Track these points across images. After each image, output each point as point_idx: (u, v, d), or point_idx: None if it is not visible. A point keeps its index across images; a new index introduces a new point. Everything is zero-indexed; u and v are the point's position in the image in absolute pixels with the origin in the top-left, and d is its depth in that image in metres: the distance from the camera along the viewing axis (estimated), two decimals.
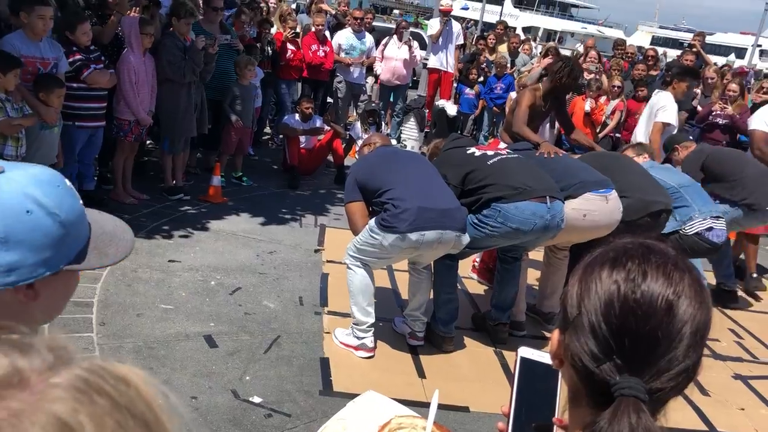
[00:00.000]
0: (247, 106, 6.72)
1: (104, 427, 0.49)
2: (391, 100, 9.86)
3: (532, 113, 5.00)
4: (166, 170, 6.14)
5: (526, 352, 1.17)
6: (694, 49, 9.08)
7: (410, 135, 9.45)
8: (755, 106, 7.94)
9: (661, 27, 66.84)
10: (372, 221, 3.72)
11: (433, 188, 3.79)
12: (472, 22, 30.52)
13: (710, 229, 4.53)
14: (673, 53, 22.92)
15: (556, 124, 8.49)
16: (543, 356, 1.07)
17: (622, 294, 0.86)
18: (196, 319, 4.01)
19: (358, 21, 8.93)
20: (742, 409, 3.99)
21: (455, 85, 10.40)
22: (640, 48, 16.25)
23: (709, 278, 5.55)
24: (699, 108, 7.87)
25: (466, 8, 49.14)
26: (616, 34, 48.79)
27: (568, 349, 0.90)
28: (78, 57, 5.04)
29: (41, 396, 0.49)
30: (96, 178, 5.81)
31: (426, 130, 9.81)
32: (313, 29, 8.64)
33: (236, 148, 6.77)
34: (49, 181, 0.99)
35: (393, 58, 9.41)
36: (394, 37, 9.52)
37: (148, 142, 6.87)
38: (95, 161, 5.80)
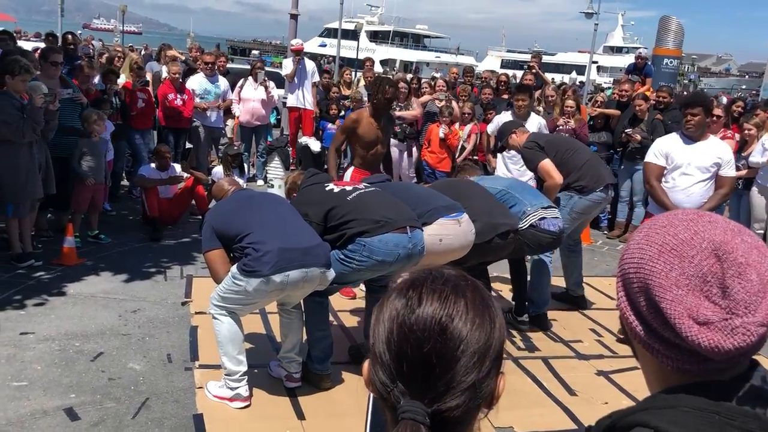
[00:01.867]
0: (97, 161, 6.44)
1: None
2: (254, 140, 9.84)
3: (367, 135, 5.58)
4: (13, 237, 5.73)
5: None
6: (533, 70, 9.73)
7: (276, 174, 9.41)
8: (591, 119, 8.64)
9: (509, 51, 71.25)
10: (234, 268, 3.66)
11: (292, 227, 3.79)
12: (330, 58, 31.10)
13: (542, 219, 4.70)
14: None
15: (414, 151, 8.85)
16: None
17: (399, 321, 0.90)
18: (55, 393, 3.75)
19: (210, 65, 8.84)
20: (606, 403, 4.24)
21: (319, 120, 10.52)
22: (492, 72, 17.18)
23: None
24: None
25: (323, 45, 50.09)
26: (469, 60, 51.49)
27: (369, 377, 0.94)
28: None
29: None
30: None
31: (292, 167, 9.82)
32: (164, 76, 8.46)
33: (90, 205, 6.45)
34: None
35: (250, 99, 9.40)
36: (250, 78, 9.52)
37: None
38: None
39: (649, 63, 12.44)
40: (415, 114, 8.67)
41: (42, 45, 13.22)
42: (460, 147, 8.66)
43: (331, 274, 3.80)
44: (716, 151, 5.08)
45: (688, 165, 5.05)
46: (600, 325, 5.53)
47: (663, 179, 5.19)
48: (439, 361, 0.87)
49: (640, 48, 14.06)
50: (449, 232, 4.12)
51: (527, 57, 55.44)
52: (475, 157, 8.81)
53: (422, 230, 4.05)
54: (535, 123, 6.97)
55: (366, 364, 0.96)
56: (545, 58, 46.24)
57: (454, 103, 8.83)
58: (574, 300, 5.84)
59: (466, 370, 0.88)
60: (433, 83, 10.04)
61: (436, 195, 4.40)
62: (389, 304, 0.93)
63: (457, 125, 8.67)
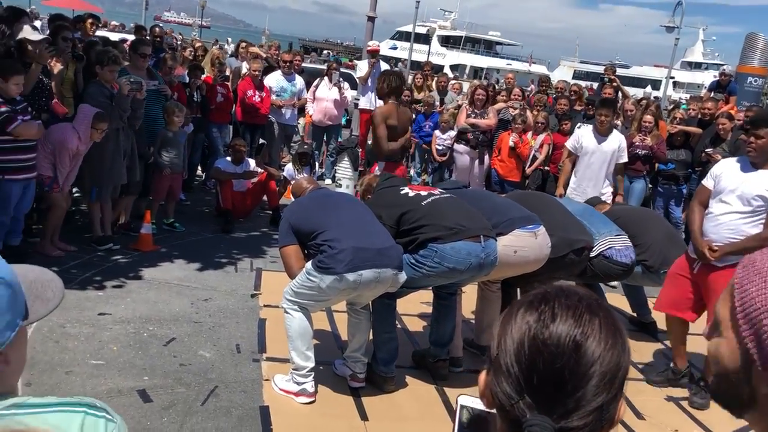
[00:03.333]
0: (176, 151, 6.64)
1: None
2: (324, 139, 9.97)
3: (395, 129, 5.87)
4: (95, 220, 5.97)
5: (466, 400, 1.19)
6: (614, 84, 9.51)
7: (344, 174, 9.50)
8: (671, 136, 8.39)
9: (582, 62, 69.93)
10: (308, 264, 3.71)
11: (367, 228, 3.82)
12: (402, 61, 31.20)
13: (611, 248, 4.59)
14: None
15: (486, 159, 8.78)
16: (483, 403, 1.10)
17: (531, 334, 0.89)
18: (129, 374, 3.88)
19: (287, 64, 9.01)
20: (676, 431, 4.10)
21: None
22: (565, 82, 16.87)
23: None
24: None
25: (394, 48, 50.30)
26: (541, 69, 50.81)
27: (489, 388, 0.93)
28: (3, 109, 4.88)
29: None
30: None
31: (360, 168, 9.90)
32: (244, 71, 8.67)
33: (167, 194, 6.66)
34: None
35: (324, 99, 9.52)
36: (325, 78, 9.65)
37: (74, 190, 6.69)
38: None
39: (733, 81, 12.00)
40: (489, 123, 8.60)
41: (125, 36, 13.77)
42: (531, 157, 8.55)
43: (403, 276, 3.81)
44: None
45: (730, 192, 4.24)
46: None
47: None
48: (572, 378, 0.86)
49: (721, 65, 13.63)
50: (525, 244, 4.07)
51: (600, 69, 54.54)
52: (547, 168, 8.69)
53: (496, 240, 4.01)
54: (616, 140, 6.74)
55: (483, 375, 0.96)
56: (620, 71, 45.15)
57: (528, 112, 8.72)
58: (645, 327, 5.66)
59: (597, 390, 0.87)
60: (508, 91, 9.95)
61: (513, 205, 4.35)
62: (519, 317, 0.92)
63: (529, 135, 8.57)
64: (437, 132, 9.37)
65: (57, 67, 5.77)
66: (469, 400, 1.15)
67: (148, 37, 8.77)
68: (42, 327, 4.15)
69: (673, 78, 44.37)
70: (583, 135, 6.83)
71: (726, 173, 4.36)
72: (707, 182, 4.48)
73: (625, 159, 6.96)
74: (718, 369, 0.96)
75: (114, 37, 13.99)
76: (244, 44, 10.21)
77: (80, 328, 4.34)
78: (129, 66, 6.52)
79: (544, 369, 0.87)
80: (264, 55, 9.98)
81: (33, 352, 3.92)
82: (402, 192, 4.18)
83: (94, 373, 3.82)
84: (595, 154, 6.76)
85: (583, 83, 26.64)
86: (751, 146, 4.20)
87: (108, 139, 5.79)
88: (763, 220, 4.12)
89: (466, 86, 12.20)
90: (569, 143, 7.07)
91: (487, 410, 1.04)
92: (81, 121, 5.50)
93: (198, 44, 10.86)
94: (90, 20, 7.68)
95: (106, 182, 5.90)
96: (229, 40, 28.67)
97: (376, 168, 6.14)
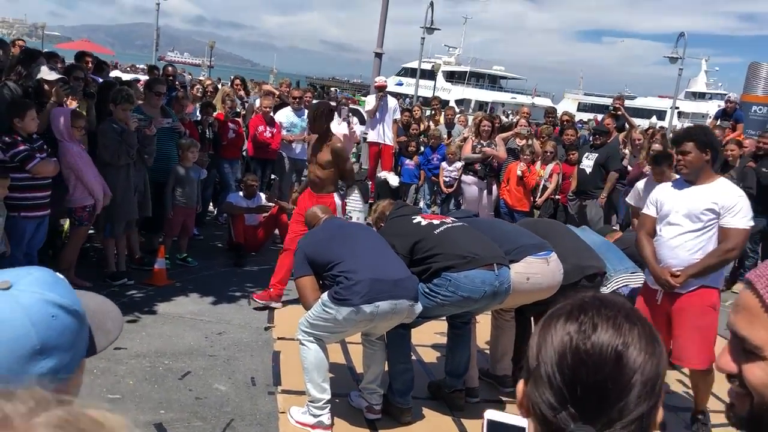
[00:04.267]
0: (190, 187, 6.71)
1: None
2: None
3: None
4: (109, 256, 6.02)
5: (492, 414, 1.20)
6: (619, 113, 9.59)
7: (355, 207, 9.53)
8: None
9: (586, 94, 70.40)
10: (324, 295, 3.72)
11: (383, 259, 3.84)
12: (409, 98, 31.55)
13: (626, 286, 4.54)
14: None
15: (494, 189, 8.82)
16: (509, 418, 1.10)
17: (573, 345, 0.90)
18: (145, 408, 3.88)
19: (297, 100, 9.14)
20: None
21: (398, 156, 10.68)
22: (569, 114, 16.96)
23: None
24: (629, 168, 8.27)
25: (400, 84, 50.84)
26: (545, 102, 51.17)
27: (529, 398, 0.94)
28: (22, 148, 4.98)
29: None
30: None
31: (370, 201, 9.96)
32: (257, 106, 8.80)
33: (180, 229, 6.72)
34: (55, 281, 1.03)
35: None
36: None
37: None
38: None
39: (739, 108, 12.06)
40: (500, 156, 8.67)
41: (137, 76, 14.06)
42: (541, 186, 8.59)
43: (419, 307, 3.82)
44: (714, 195, 4.01)
45: (676, 213, 4.11)
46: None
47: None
48: (615, 388, 0.88)
49: (725, 94, 13.68)
50: (537, 271, 4.08)
51: (604, 100, 54.79)
52: (557, 197, 8.71)
53: (509, 268, 4.02)
54: None
55: (521, 386, 0.97)
56: (626, 102, 45.26)
57: (535, 141, 8.79)
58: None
59: (639, 399, 0.88)
60: (515, 121, 10.05)
61: (524, 233, 4.37)
62: (559, 327, 0.93)
63: (537, 165, 8.62)
64: (444, 164, 9.46)
65: (72, 105, 5.89)
66: (496, 414, 1.16)
67: (161, 77, 8.93)
68: None
69: (677, 108, 44.59)
70: (648, 188, 6.03)
71: (666, 197, 4.24)
72: (649, 210, 4.35)
73: None
74: None
75: (126, 77, 14.31)
76: (238, 81, 10.44)
77: (96, 363, 4.33)
78: (144, 104, 6.64)
79: (587, 379, 0.88)
80: (277, 93, 10.14)
81: None
82: (414, 221, 4.20)
83: (110, 408, 3.81)
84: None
85: (588, 115, 26.76)
86: (681, 164, 4.11)
87: (119, 176, 5.87)
88: (716, 235, 4.04)
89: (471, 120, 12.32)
90: (632, 200, 6.20)
91: (515, 424, 1.06)
92: (63, 127, 5.49)
93: (208, 82, 11.05)
94: (86, 58, 7.93)
95: (116, 218, 5.95)
96: (232, 78, 29.20)
97: (336, 198, 6.10)
